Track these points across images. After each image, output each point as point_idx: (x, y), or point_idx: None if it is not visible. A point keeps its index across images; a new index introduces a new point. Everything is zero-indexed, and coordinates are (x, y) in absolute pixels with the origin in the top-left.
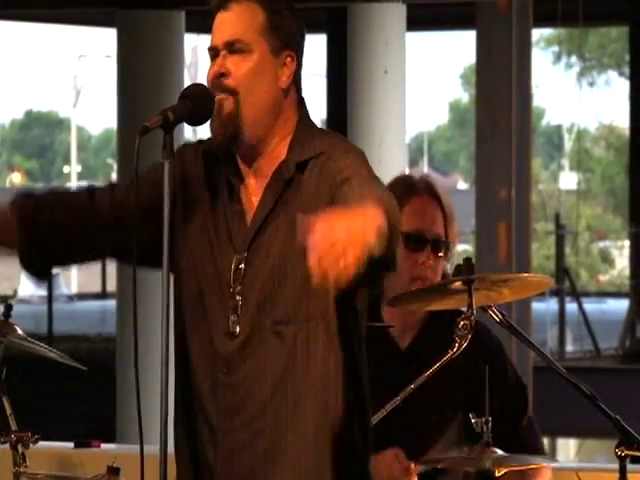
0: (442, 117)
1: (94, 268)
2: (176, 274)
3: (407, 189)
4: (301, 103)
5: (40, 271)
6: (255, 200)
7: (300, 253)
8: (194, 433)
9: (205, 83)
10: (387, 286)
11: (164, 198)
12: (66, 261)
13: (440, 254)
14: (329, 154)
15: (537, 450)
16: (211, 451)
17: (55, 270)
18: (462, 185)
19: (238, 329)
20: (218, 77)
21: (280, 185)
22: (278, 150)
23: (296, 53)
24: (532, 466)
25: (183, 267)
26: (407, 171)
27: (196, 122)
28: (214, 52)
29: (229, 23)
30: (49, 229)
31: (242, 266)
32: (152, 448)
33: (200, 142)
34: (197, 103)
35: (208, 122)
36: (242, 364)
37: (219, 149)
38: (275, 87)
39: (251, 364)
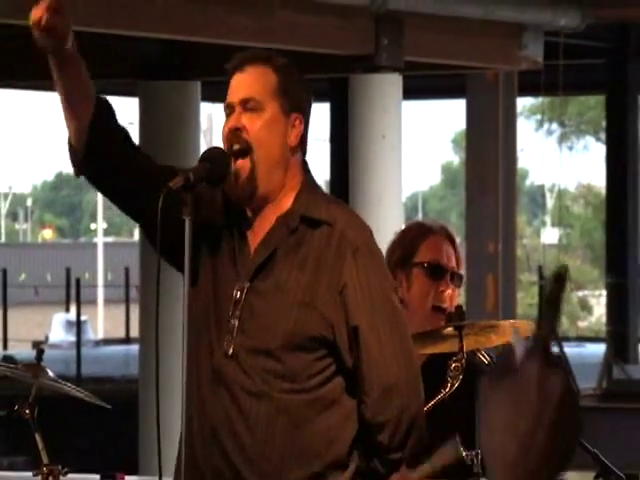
0: (435, 178)
1: (118, 316)
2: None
3: (423, 229)
4: (305, 165)
5: (85, 163)
6: (259, 240)
7: (290, 305)
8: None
9: (221, 140)
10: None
11: (185, 254)
12: (111, 175)
13: (456, 285)
14: (343, 232)
15: None
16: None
17: (93, 176)
18: None
19: (231, 350)
20: (234, 131)
21: (283, 232)
22: (284, 201)
23: (303, 117)
24: None
25: (196, 287)
26: (403, 227)
27: (214, 182)
28: (230, 109)
29: (244, 83)
30: (117, 143)
31: (241, 295)
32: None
33: None
34: (215, 165)
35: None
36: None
37: (234, 204)
38: (284, 144)
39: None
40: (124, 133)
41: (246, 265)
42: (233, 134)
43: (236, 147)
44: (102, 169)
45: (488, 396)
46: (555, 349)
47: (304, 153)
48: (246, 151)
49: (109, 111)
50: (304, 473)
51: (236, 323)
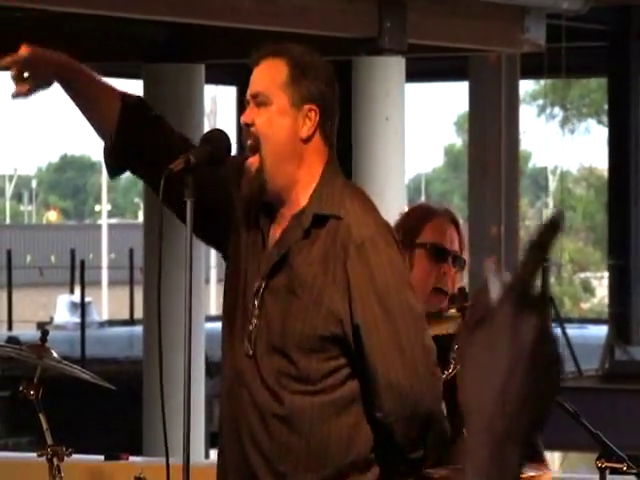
0: (438, 160)
1: (123, 298)
2: (226, 275)
3: (428, 211)
4: (328, 154)
5: (117, 162)
6: (276, 238)
7: (295, 311)
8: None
9: (225, 129)
10: None
11: (187, 237)
12: (141, 166)
13: (459, 268)
14: (349, 228)
15: (540, 455)
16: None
17: (127, 168)
18: None
19: (251, 350)
20: (245, 127)
21: (297, 232)
22: (301, 197)
23: (321, 107)
24: (531, 473)
25: (230, 273)
26: (406, 209)
27: (215, 164)
28: (247, 104)
29: (257, 77)
30: (146, 133)
31: (259, 293)
32: (176, 460)
33: None
34: (216, 147)
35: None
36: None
37: (249, 202)
38: (293, 136)
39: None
40: (156, 125)
41: (264, 263)
42: (245, 130)
43: (248, 143)
44: (136, 165)
45: (464, 345)
46: (533, 291)
47: (328, 144)
48: (256, 147)
49: (135, 109)
50: (322, 475)
51: (255, 322)
